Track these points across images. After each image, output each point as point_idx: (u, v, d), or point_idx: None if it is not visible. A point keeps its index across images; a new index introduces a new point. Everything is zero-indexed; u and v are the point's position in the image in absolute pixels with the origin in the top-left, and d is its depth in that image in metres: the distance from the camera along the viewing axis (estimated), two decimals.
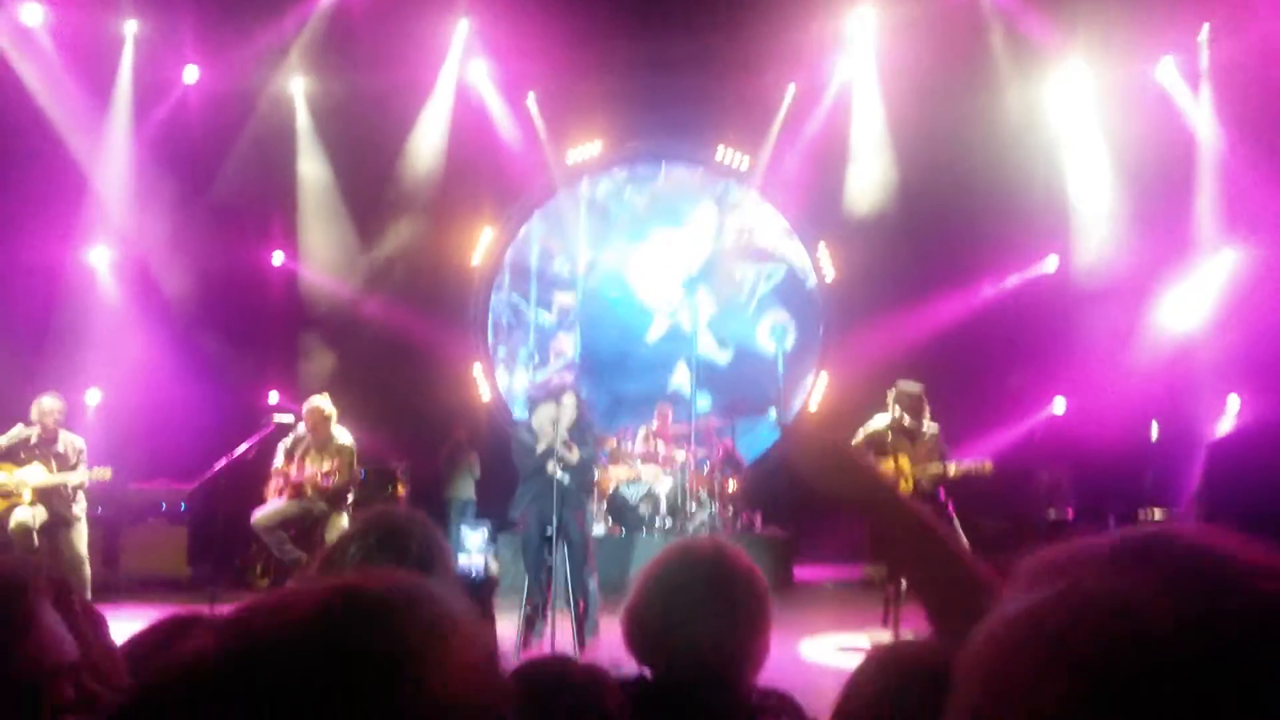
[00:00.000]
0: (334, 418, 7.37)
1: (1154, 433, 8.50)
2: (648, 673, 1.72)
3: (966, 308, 11.30)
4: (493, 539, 9.98)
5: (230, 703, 0.58)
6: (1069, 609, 0.54)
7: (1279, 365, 9.66)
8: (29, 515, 6.87)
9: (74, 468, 7.08)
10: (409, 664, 0.60)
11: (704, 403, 11.66)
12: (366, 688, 0.58)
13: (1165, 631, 0.51)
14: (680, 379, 12.74)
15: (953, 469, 6.55)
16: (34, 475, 6.98)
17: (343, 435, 7.38)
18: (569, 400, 6.60)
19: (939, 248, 11.13)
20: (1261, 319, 9.82)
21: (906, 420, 6.75)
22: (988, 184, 10.93)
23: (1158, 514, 7.69)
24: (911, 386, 6.85)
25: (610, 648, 6.23)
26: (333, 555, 1.65)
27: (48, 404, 7.07)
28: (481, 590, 2.08)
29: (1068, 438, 10.16)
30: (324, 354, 11.42)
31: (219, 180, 10.94)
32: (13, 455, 7.01)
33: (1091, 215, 11.24)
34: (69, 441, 7.19)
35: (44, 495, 6.97)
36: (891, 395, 6.88)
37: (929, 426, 6.80)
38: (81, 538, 7.09)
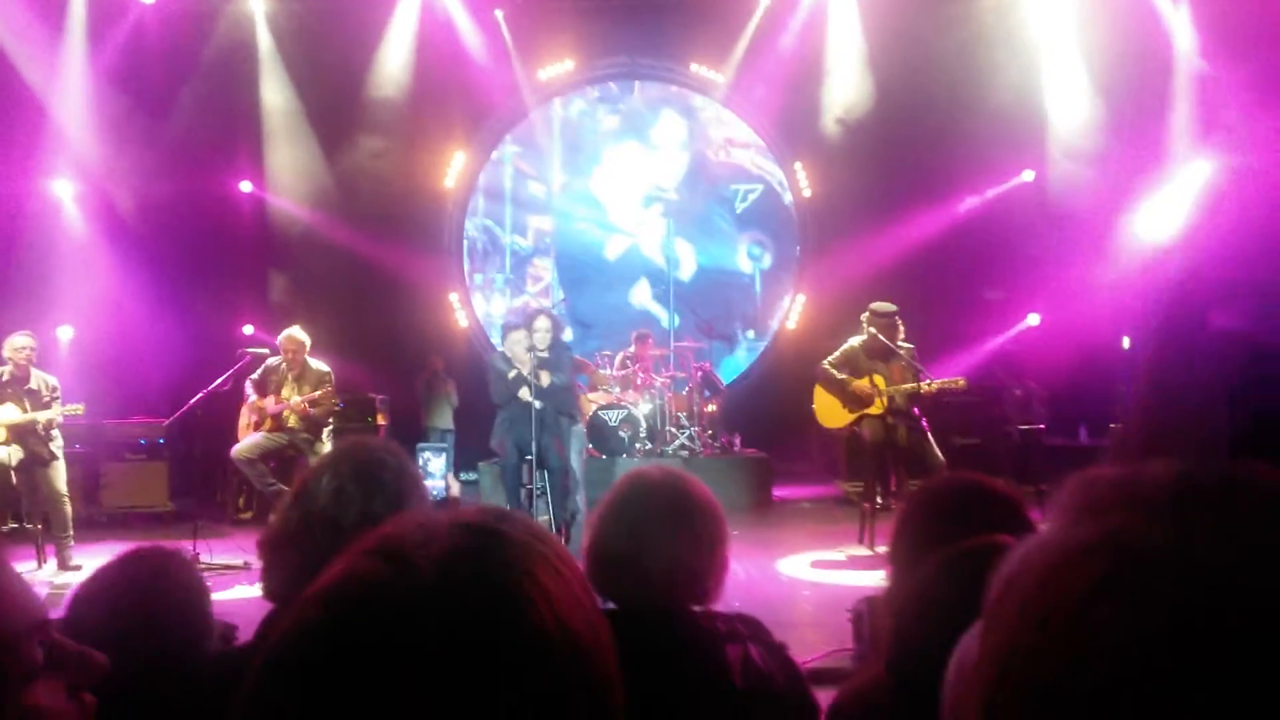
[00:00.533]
0: (308, 346, 7.34)
1: (1125, 345, 8.59)
2: (611, 606, 1.75)
3: (942, 224, 11.28)
4: (455, 463, 10.11)
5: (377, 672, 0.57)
6: (1117, 557, 0.49)
7: (1251, 276, 9.73)
8: (4, 454, 6.84)
9: (47, 405, 7.03)
10: (544, 597, 0.61)
11: (675, 320, 11.66)
12: (508, 629, 0.59)
13: (1234, 595, 0.46)
14: (640, 296, 12.73)
15: (926, 386, 6.63)
16: (7, 414, 6.93)
17: (318, 364, 7.37)
18: (541, 324, 6.60)
19: (915, 163, 11.06)
20: (1235, 229, 9.86)
21: (882, 339, 6.80)
22: (964, 98, 10.82)
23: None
24: (884, 307, 6.90)
25: None
26: (306, 486, 1.65)
27: (18, 342, 6.98)
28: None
29: (1042, 352, 10.25)
30: (296, 284, 11.30)
31: (180, 106, 10.65)
32: None
33: (1067, 127, 11.16)
34: (42, 379, 7.12)
35: (18, 434, 6.93)
36: (865, 317, 6.92)
37: (903, 346, 6.86)
38: (59, 475, 7.07)
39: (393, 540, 0.65)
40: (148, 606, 1.79)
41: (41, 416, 6.98)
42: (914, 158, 11.08)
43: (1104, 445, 8.48)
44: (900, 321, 6.89)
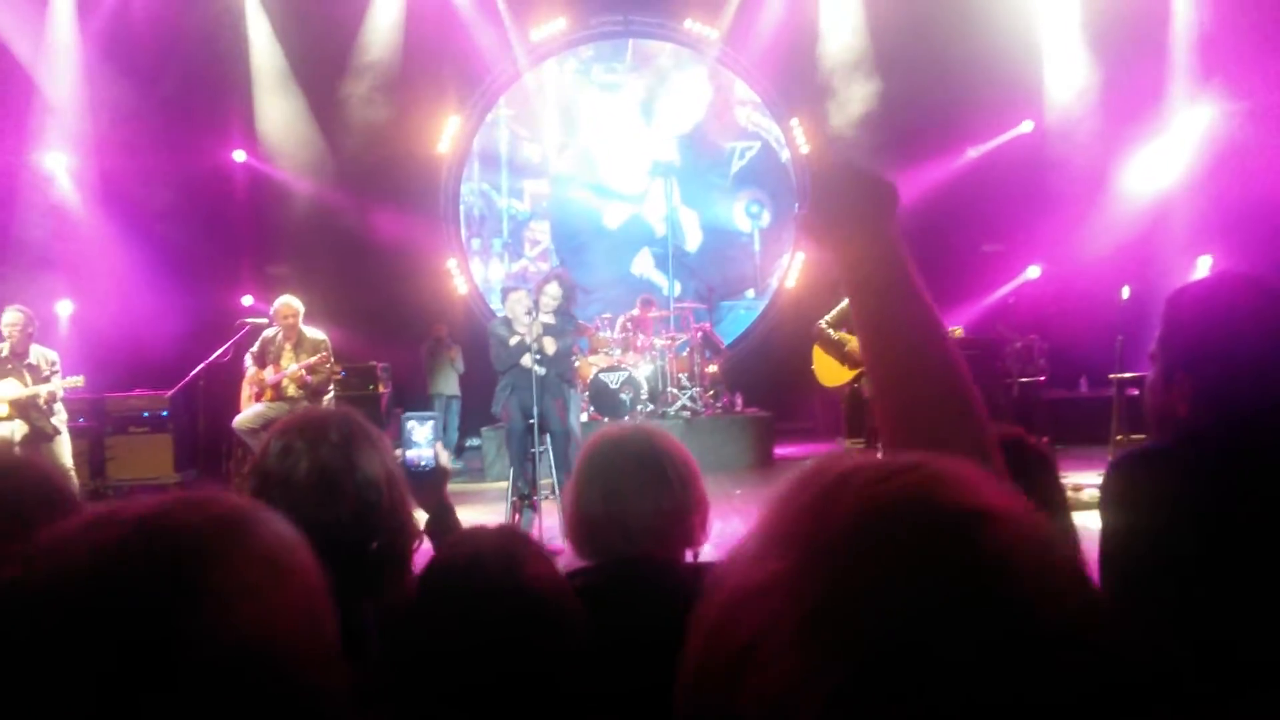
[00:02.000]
0: (302, 314, 7.34)
1: (1124, 295, 8.56)
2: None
3: (941, 177, 11.21)
4: (461, 429, 10.13)
5: (14, 638, 0.57)
6: (816, 587, 0.50)
7: (1251, 224, 9.69)
8: (8, 430, 6.88)
9: (48, 380, 7.05)
10: (207, 606, 0.58)
11: (677, 289, 11.63)
12: (147, 630, 0.56)
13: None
14: (642, 266, 12.68)
15: None
16: (7, 389, 6.95)
17: (314, 331, 7.37)
18: (552, 289, 6.56)
19: (913, 116, 10.96)
20: (1234, 176, 9.80)
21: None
22: (961, 49, 10.69)
23: (1129, 377, 7.83)
24: None
25: None
26: (260, 457, 1.67)
27: (10, 317, 6.98)
28: (430, 481, 2.11)
29: (1041, 304, 10.24)
30: (293, 253, 11.26)
31: (171, 77, 10.55)
32: None
33: (1065, 76, 11.05)
34: (41, 354, 7.14)
35: (20, 409, 6.96)
36: None
37: None
38: (63, 449, 7.11)
39: (45, 542, 0.63)
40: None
41: (43, 390, 7.00)
42: (911, 111, 10.99)
43: (1104, 396, 8.49)
44: None
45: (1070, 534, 1.71)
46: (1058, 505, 1.82)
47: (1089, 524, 1.66)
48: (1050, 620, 0.47)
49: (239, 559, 0.62)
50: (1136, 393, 7.86)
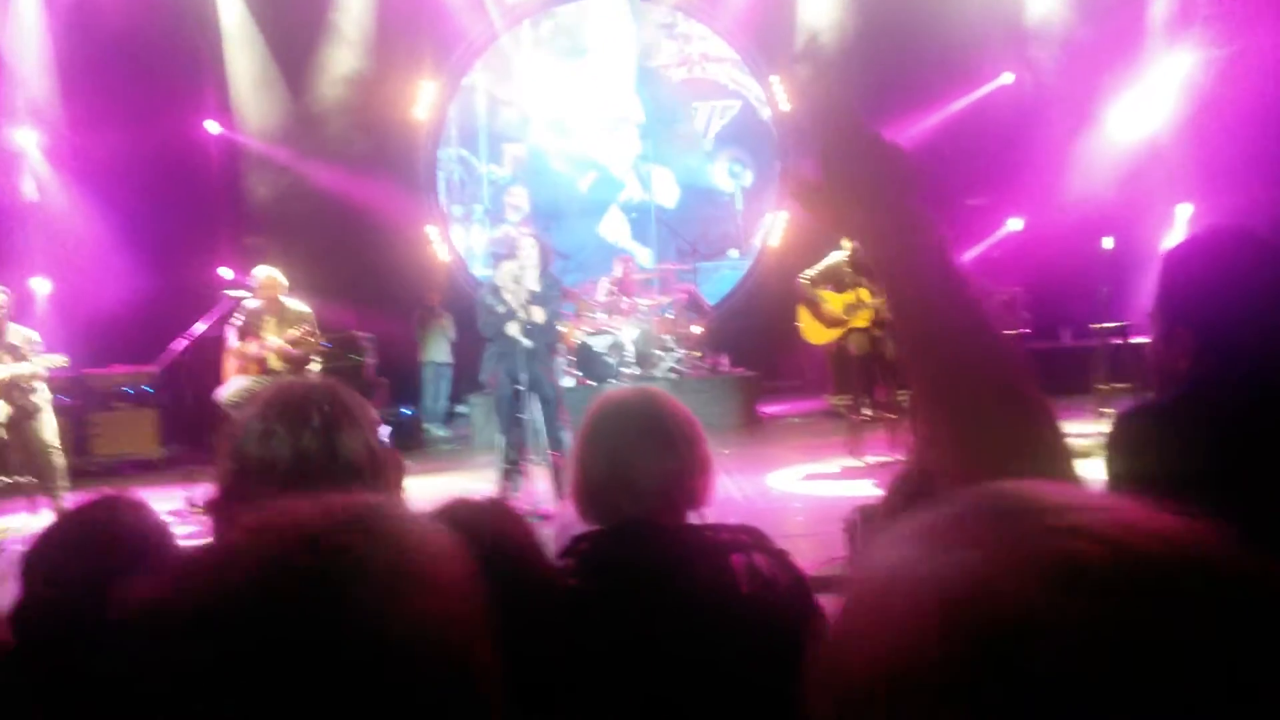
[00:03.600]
0: (285, 286, 7.26)
1: (1107, 245, 8.61)
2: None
3: (922, 131, 11.17)
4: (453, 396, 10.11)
5: (190, 664, 0.56)
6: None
7: (1232, 171, 9.73)
8: None
9: (26, 359, 6.97)
10: (375, 615, 0.58)
11: (646, 254, 11.55)
12: (331, 645, 0.56)
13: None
14: (608, 228, 12.60)
15: None
16: None
17: (296, 303, 7.30)
18: (527, 246, 6.52)
19: (893, 71, 10.90)
20: (1215, 122, 9.82)
21: (863, 253, 6.79)
22: (940, 1, 10.64)
23: (1112, 327, 7.89)
24: None
25: None
26: (237, 436, 1.63)
27: None
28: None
29: (1024, 257, 10.27)
30: (271, 224, 11.14)
31: (142, 47, 10.34)
32: None
33: (1045, 27, 11.01)
34: (20, 333, 7.05)
35: (3, 389, 6.88)
36: None
37: None
38: (47, 427, 7.05)
39: (203, 558, 0.62)
40: (96, 557, 1.80)
41: (25, 369, 6.92)
42: (891, 65, 10.92)
43: (1087, 346, 8.55)
44: None
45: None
46: (1061, 456, 1.84)
47: (1082, 473, 1.68)
48: None
49: (396, 569, 0.61)
50: (1118, 342, 7.93)
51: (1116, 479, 1.69)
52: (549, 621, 1.36)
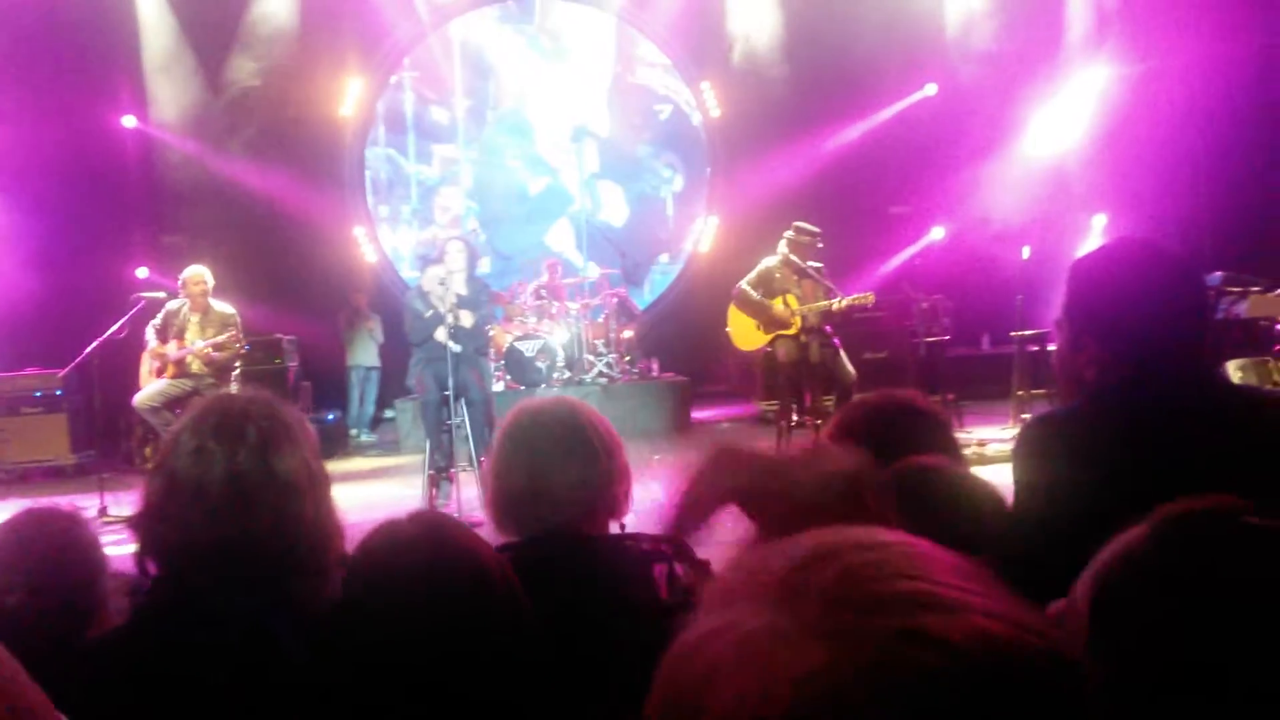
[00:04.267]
0: (212, 286, 7.08)
1: (1025, 255, 8.85)
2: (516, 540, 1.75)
3: (849, 141, 11.38)
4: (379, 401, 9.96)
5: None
6: (729, 652, 0.49)
7: (1146, 183, 10.11)
8: None
9: None
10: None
11: (592, 267, 11.55)
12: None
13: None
14: (558, 239, 12.54)
15: (837, 304, 6.73)
16: None
17: (222, 305, 7.12)
18: (454, 249, 6.45)
19: (822, 79, 11.11)
20: (1130, 135, 10.19)
21: (794, 258, 6.87)
22: (866, 12, 10.84)
23: (1029, 334, 8.11)
24: (810, 227, 6.98)
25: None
26: (167, 451, 1.56)
27: None
28: None
29: (945, 264, 10.51)
30: (189, 223, 10.83)
31: (54, 38, 9.97)
32: None
33: (967, 39, 11.31)
34: None
35: None
36: (789, 235, 6.98)
37: (812, 265, 6.94)
38: None
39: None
40: (40, 572, 1.74)
41: None
42: (818, 74, 11.13)
43: (1006, 353, 8.78)
44: (820, 242, 6.99)
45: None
46: (955, 459, 1.88)
47: (997, 478, 1.73)
48: None
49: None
50: (1036, 349, 8.15)
51: (1022, 485, 1.73)
52: (509, 620, 1.35)
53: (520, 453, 1.74)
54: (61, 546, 1.80)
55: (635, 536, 1.84)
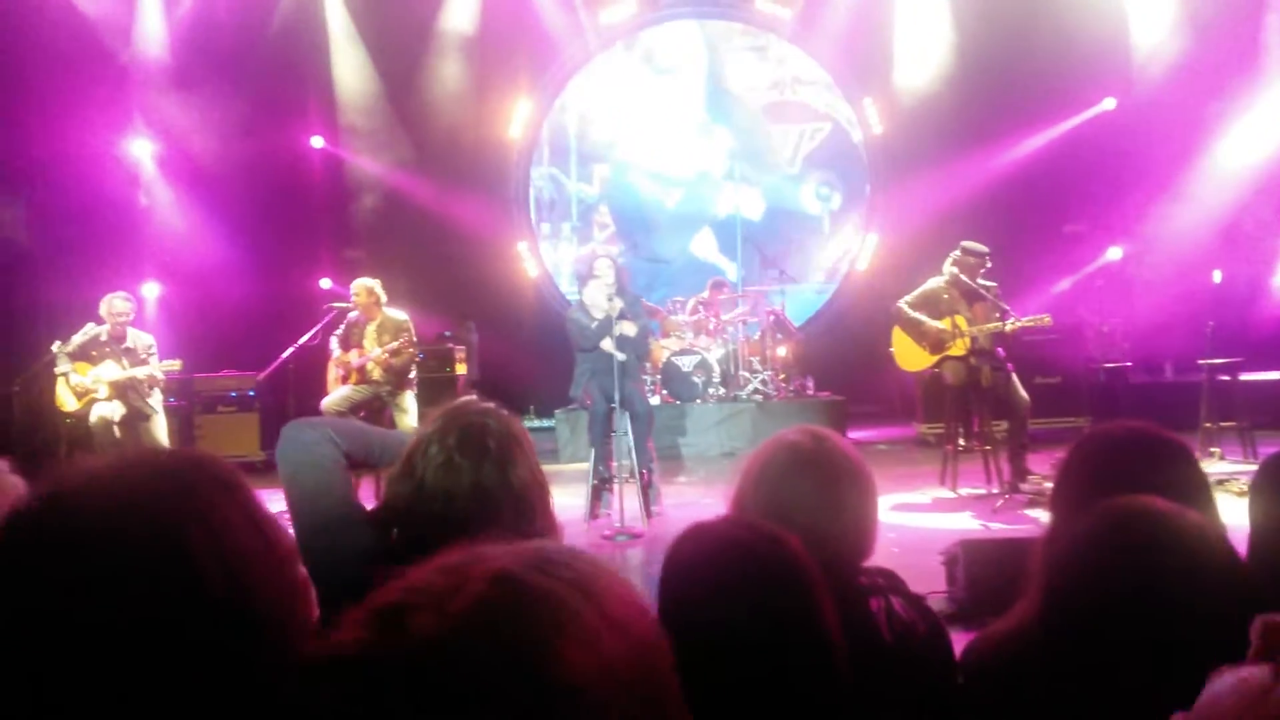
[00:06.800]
0: (383, 297, 7.44)
1: (1216, 279, 8.32)
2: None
3: (1020, 157, 10.98)
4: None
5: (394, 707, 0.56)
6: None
7: None
8: (109, 410, 7.13)
9: (144, 363, 7.29)
10: (566, 653, 0.58)
11: (732, 269, 11.55)
12: (529, 685, 0.56)
13: None
14: (702, 247, 12.61)
15: (1010, 325, 6.49)
16: (109, 371, 7.21)
17: (395, 312, 7.47)
18: (603, 266, 6.60)
19: (992, 94, 10.75)
20: None
21: (964, 279, 6.67)
22: (1043, 24, 10.45)
23: (1219, 363, 7.61)
24: (977, 247, 6.75)
25: (673, 518, 6.42)
26: (413, 457, 1.67)
27: (119, 306, 7.24)
28: None
29: (1124, 287, 10.00)
30: (369, 238, 11.46)
31: (254, 64, 10.75)
32: (85, 354, 7.23)
33: (1152, 51, 10.73)
34: (137, 338, 7.38)
35: (120, 390, 7.21)
36: (955, 255, 6.78)
37: (985, 284, 6.72)
38: (160, 429, 7.36)
39: (394, 601, 0.61)
40: None
41: (140, 373, 7.24)
42: (990, 88, 10.76)
43: (1191, 382, 8.27)
44: (989, 262, 6.76)
45: (1217, 523, 1.68)
46: (1202, 496, 1.78)
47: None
48: None
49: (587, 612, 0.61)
50: (1227, 378, 7.65)
51: (1262, 527, 1.65)
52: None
53: (767, 485, 1.72)
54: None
55: (855, 570, 1.79)
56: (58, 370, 7.23)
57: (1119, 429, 1.78)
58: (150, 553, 0.82)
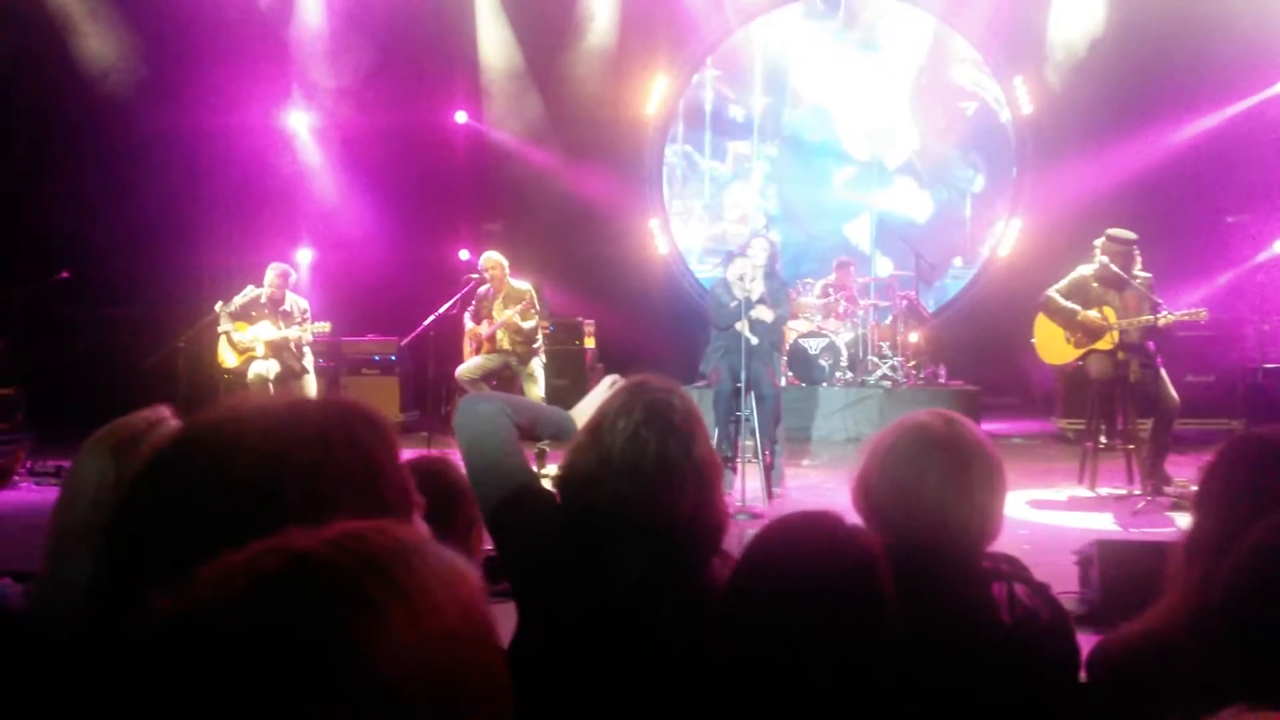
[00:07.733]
0: (507, 267, 7.71)
1: None
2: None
3: (1180, 140, 10.36)
4: None
5: (156, 679, 0.58)
6: None
7: None
8: (264, 368, 7.62)
9: (299, 325, 7.75)
10: (357, 644, 0.58)
11: (886, 264, 11.31)
12: (301, 671, 0.56)
13: None
14: (855, 233, 12.37)
15: (1163, 319, 6.17)
16: (263, 332, 7.69)
17: (519, 283, 7.73)
18: (758, 246, 6.61)
19: (1150, 74, 10.17)
20: None
21: (1114, 268, 6.35)
22: (1206, 4, 9.80)
23: None
24: (1123, 234, 6.41)
25: (792, 499, 6.41)
26: (600, 428, 1.74)
27: (274, 273, 7.74)
28: None
29: None
30: (507, 211, 11.75)
31: (404, 42, 11.14)
32: (245, 314, 7.73)
33: None
34: (294, 301, 7.86)
35: (275, 349, 7.68)
36: (1100, 243, 6.48)
37: (1139, 274, 6.40)
38: (311, 387, 7.82)
39: (201, 574, 0.62)
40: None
41: (293, 334, 7.70)
42: (1148, 68, 10.17)
43: None
44: (1138, 251, 6.43)
45: None
46: None
47: None
48: None
49: (399, 595, 0.61)
50: None
51: None
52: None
53: (895, 465, 1.72)
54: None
55: (978, 554, 1.80)
56: (220, 329, 7.74)
57: (1273, 433, 1.71)
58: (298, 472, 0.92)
